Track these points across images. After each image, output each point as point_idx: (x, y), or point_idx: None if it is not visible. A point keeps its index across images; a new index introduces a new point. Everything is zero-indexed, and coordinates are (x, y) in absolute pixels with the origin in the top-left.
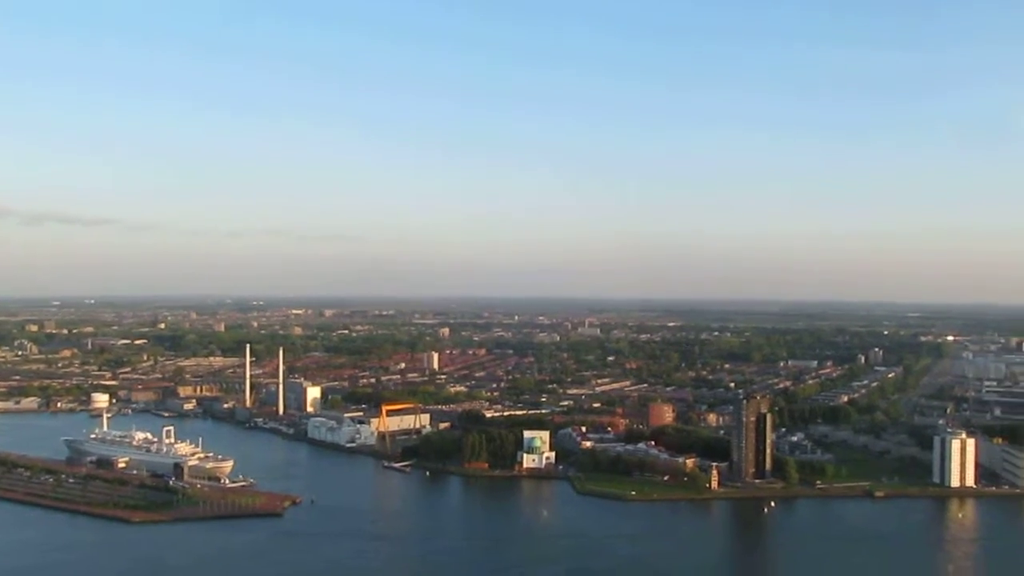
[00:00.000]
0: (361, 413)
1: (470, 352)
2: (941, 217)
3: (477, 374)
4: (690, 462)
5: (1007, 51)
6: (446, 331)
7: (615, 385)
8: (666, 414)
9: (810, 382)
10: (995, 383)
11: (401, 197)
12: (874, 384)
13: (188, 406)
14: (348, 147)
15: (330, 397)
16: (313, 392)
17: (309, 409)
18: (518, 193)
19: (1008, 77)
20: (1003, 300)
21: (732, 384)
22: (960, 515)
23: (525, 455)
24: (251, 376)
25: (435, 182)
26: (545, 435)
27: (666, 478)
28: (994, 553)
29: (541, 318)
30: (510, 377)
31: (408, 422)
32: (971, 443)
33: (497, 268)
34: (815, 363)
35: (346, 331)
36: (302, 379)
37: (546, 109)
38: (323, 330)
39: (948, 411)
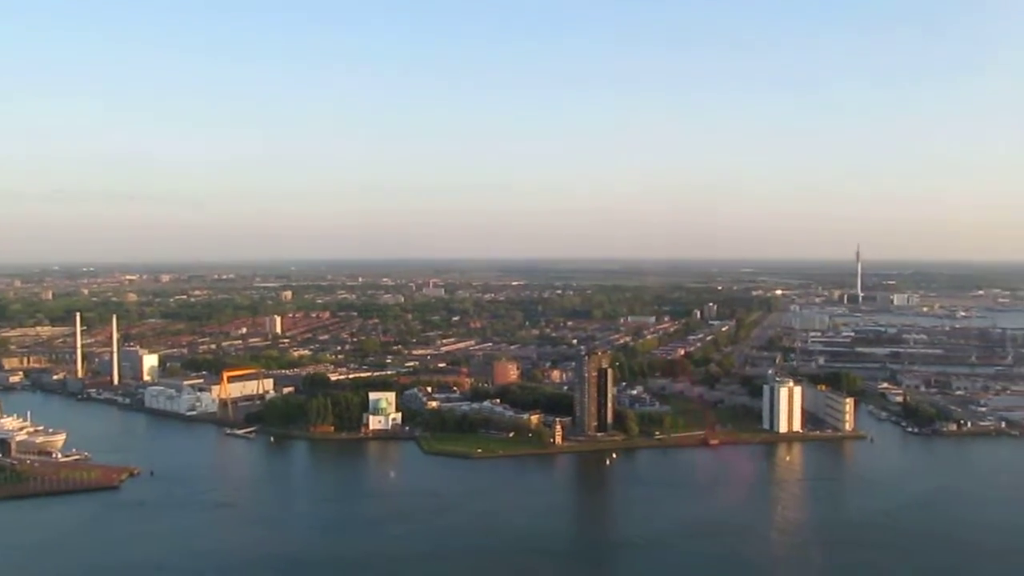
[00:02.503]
0: (201, 380)
1: (314, 315)
2: (769, 177)
3: (321, 337)
4: (534, 418)
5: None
6: (289, 294)
7: (460, 345)
8: (511, 372)
9: (649, 337)
10: (819, 334)
11: (242, 157)
12: (709, 338)
13: (14, 379)
14: (185, 102)
15: (168, 365)
16: (150, 360)
17: (146, 378)
18: (356, 153)
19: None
20: (827, 256)
21: (574, 341)
22: (787, 458)
23: (371, 417)
24: (83, 345)
25: (275, 143)
26: (391, 396)
27: (511, 434)
28: (816, 491)
29: (385, 280)
30: (355, 339)
31: (251, 388)
32: (797, 391)
33: (339, 230)
34: (653, 319)
35: (184, 296)
36: (138, 347)
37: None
38: (159, 296)
39: (777, 361)
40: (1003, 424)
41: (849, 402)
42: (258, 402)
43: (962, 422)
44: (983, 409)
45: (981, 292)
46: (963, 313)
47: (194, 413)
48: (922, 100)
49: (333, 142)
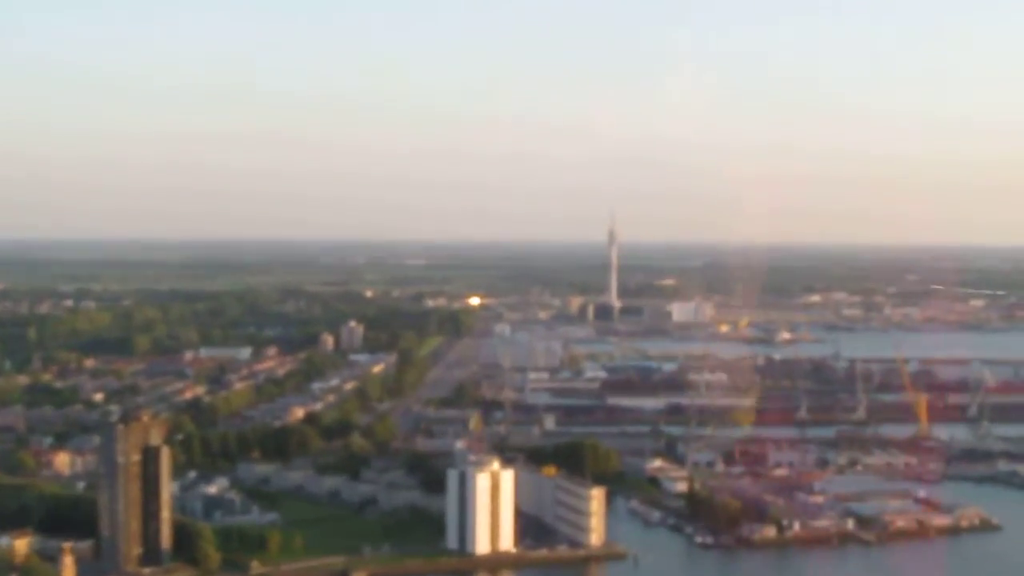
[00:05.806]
0: None
1: None
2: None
3: None
4: (21, 544)
5: None
6: None
7: None
8: None
9: (239, 386)
10: (547, 374)
11: None
12: (349, 385)
13: None
14: None
15: None
16: None
17: None
18: None
19: None
20: (563, 239)
21: (99, 396)
22: None
23: None
24: None
25: None
26: None
27: None
28: None
29: None
30: None
31: None
32: (508, 478)
33: None
34: (248, 351)
35: None
36: None
37: None
38: None
39: (471, 426)
40: (850, 523)
41: (598, 495)
42: None
43: (785, 523)
44: (819, 499)
45: (817, 297)
46: (787, 335)
47: None
48: None
49: None
